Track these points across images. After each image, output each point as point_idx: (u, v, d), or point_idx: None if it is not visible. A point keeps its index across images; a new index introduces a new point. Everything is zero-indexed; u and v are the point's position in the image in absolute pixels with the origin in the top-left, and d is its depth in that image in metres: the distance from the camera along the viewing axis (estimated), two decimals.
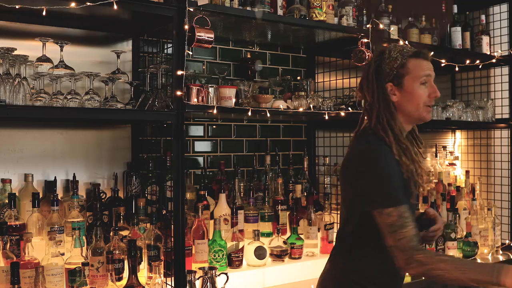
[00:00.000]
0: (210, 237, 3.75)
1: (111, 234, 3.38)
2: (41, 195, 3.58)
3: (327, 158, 4.85)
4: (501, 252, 5.09)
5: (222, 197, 4.03)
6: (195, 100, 3.59)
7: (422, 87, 2.69)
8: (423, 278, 2.60)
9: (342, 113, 4.20)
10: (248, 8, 3.81)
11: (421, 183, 2.63)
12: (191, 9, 3.41)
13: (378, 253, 2.62)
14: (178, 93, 3.39)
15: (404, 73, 2.69)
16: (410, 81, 2.69)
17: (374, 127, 2.71)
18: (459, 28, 5.16)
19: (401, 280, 2.85)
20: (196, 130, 4.46)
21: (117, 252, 3.34)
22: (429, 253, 2.50)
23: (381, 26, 4.39)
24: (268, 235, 4.12)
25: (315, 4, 4.07)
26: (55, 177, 3.69)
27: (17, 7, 3.00)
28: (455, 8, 5.24)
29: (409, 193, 2.61)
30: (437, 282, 2.49)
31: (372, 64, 2.80)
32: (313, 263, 3.94)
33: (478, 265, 2.48)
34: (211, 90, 3.74)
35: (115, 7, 3.11)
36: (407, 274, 2.86)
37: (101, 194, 3.74)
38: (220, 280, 3.44)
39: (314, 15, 4.08)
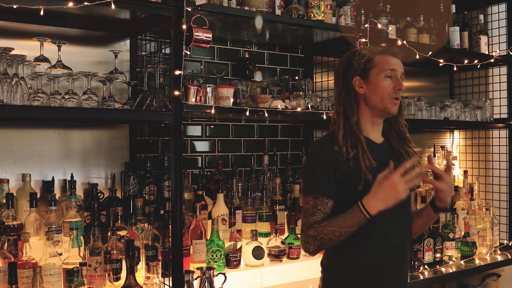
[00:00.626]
0: (208, 237, 3.75)
1: (109, 234, 3.38)
2: (38, 195, 3.58)
3: None
4: (499, 252, 5.10)
5: (220, 197, 4.03)
6: (193, 100, 3.58)
7: (387, 80, 2.78)
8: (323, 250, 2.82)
9: None
10: (246, 8, 3.81)
11: (364, 175, 2.68)
12: (189, 9, 3.40)
13: (352, 246, 2.72)
14: (176, 93, 3.38)
15: (371, 67, 2.80)
16: (375, 73, 2.78)
17: (333, 120, 2.86)
18: (457, 28, 5.15)
19: (393, 276, 2.85)
20: (194, 130, 4.46)
21: (115, 252, 3.34)
22: (317, 225, 2.65)
23: (379, 26, 4.38)
24: (266, 235, 4.12)
25: (313, 4, 4.07)
26: (53, 177, 3.68)
27: (14, 6, 2.99)
28: (453, 8, 5.23)
29: (357, 180, 2.68)
30: (332, 245, 2.68)
31: (343, 60, 2.91)
32: (311, 263, 3.93)
33: (348, 213, 2.61)
34: (209, 90, 3.74)
35: (113, 6, 3.11)
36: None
37: (99, 194, 3.74)
38: (218, 280, 3.44)
39: (312, 15, 4.08)
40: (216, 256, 3.67)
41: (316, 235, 2.64)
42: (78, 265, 3.08)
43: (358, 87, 2.80)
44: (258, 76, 4.62)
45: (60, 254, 3.27)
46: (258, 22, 3.83)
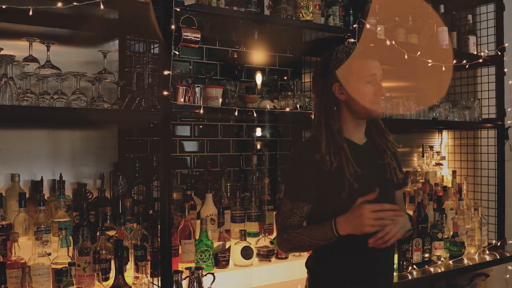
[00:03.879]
0: (197, 237, 3.75)
1: (98, 234, 3.38)
2: (27, 195, 3.57)
3: None
4: (488, 252, 5.12)
5: (209, 197, 4.03)
6: (182, 100, 3.59)
7: (368, 86, 2.76)
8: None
9: None
10: (235, 8, 3.81)
11: (349, 183, 2.70)
12: (178, 9, 3.41)
13: (338, 247, 2.72)
14: (165, 93, 3.39)
15: (350, 73, 2.75)
16: (355, 80, 2.76)
17: (314, 126, 2.84)
18: (445, 28, 5.16)
19: (379, 277, 2.87)
20: (183, 130, 4.46)
21: (103, 252, 3.34)
22: (291, 231, 2.74)
23: (367, 26, 4.39)
24: (255, 235, 4.13)
25: (302, 4, 4.08)
26: (42, 177, 3.68)
27: (3, 7, 2.98)
28: (442, 8, 5.25)
29: (341, 188, 2.70)
30: (303, 251, 2.99)
31: (319, 65, 2.88)
32: (300, 263, 3.91)
33: (319, 228, 2.67)
34: (197, 90, 3.74)
35: (102, 7, 3.11)
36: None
37: (88, 194, 3.74)
38: (206, 280, 3.45)
39: (300, 15, 4.09)
40: (205, 256, 3.68)
41: (289, 239, 2.74)
42: (67, 265, 3.08)
43: (339, 93, 2.78)
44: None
45: (49, 254, 3.27)
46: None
